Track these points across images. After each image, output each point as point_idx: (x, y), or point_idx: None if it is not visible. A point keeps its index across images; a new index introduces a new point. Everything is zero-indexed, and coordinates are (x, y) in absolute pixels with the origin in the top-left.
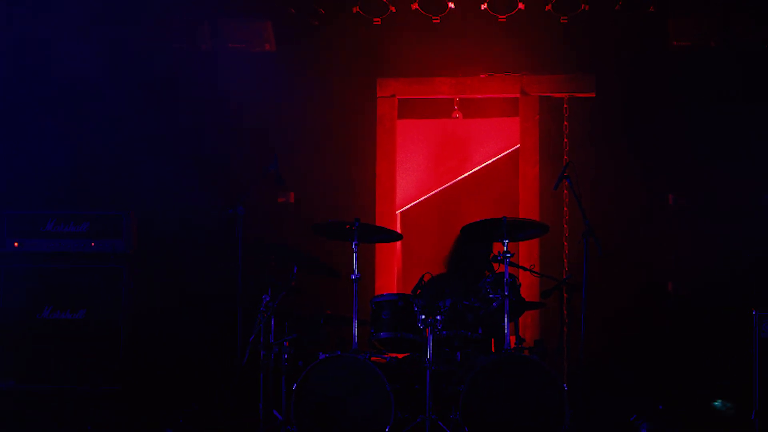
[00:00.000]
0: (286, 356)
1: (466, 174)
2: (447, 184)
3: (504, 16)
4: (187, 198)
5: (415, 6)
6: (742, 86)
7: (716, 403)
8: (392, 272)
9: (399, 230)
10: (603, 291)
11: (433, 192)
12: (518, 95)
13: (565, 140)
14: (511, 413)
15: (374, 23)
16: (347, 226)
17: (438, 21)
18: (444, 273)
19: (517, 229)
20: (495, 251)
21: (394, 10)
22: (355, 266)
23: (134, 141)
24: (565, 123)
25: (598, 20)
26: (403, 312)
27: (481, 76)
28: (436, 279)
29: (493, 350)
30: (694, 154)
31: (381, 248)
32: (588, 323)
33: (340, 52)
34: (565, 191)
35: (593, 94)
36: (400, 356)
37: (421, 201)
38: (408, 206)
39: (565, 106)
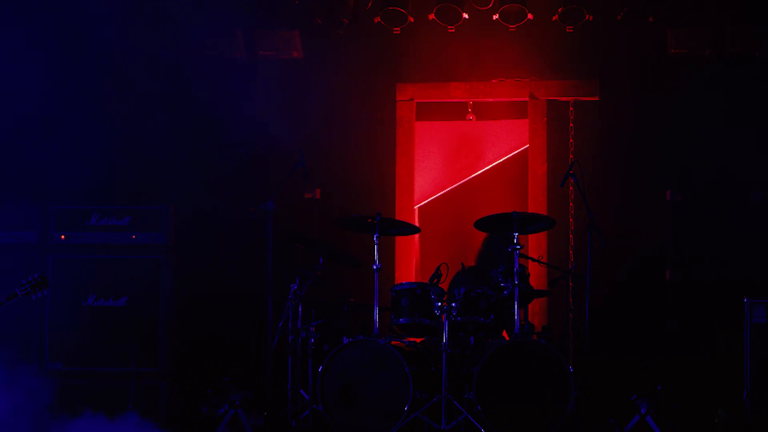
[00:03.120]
0: (312, 340)
1: (479, 172)
2: (461, 181)
3: (514, 26)
4: (222, 194)
5: (431, 16)
6: (734, 91)
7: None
8: (411, 263)
9: (417, 224)
10: (606, 280)
11: (449, 188)
12: (527, 99)
13: (571, 141)
14: (520, 393)
15: (394, 32)
16: (369, 220)
17: (453, 30)
18: (474, 266)
19: (527, 222)
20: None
21: (412, 20)
22: (376, 257)
23: (173, 140)
24: (571, 125)
25: (602, 29)
26: (421, 299)
27: (493, 81)
28: (468, 270)
29: (504, 335)
30: (690, 153)
31: (400, 240)
32: (592, 309)
33: (362, 58)
34: (571, 188)
35: (597, 98)
36: (418, 340)
37: (438, 197)
38: (425, 201)
39: (571, 109)
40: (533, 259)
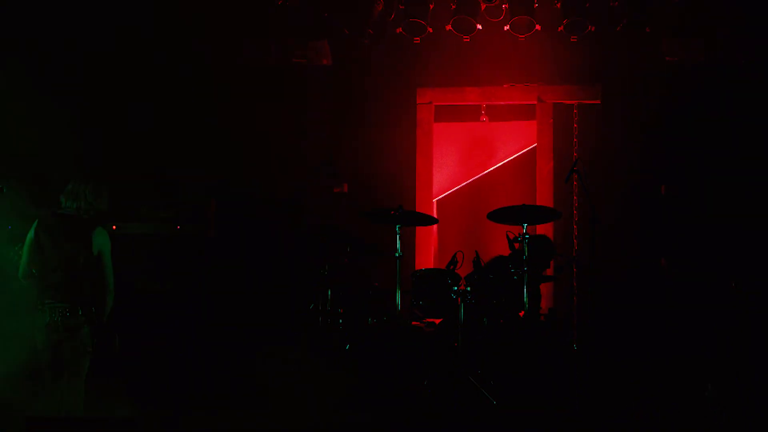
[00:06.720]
0: (340, 321)
1: (491, 168)
2: (475, 177)
3: (523, 36)
4: (258, 189)
5: (449, 27)
6: (723, 94)
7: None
8: (429, 251)
9: (435, 215)
10: (607, 267)
11: (464, 183)
12: (535, 102)
13: (575, 140)
14: (530, 370)
15: (414, 41)
16: (392, 212)
17: (468, 40)
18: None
19: (535, 214)
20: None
21: (431, 31)
22: (398, 246)
23: (212, 140)
24: (575, 126)
25: (603, 39)
26: (439, 284)
27: (504, 86)
28: (498, 259)
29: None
30: (683, 152)
31: (420, 231)
32: (594, 294)
33: (385, 65)
34: (575, 183)
35: (599, 101)
36: (436, 321)
37: (454, 191)
38: (443, 195)
39: (575, 111)
40: None
